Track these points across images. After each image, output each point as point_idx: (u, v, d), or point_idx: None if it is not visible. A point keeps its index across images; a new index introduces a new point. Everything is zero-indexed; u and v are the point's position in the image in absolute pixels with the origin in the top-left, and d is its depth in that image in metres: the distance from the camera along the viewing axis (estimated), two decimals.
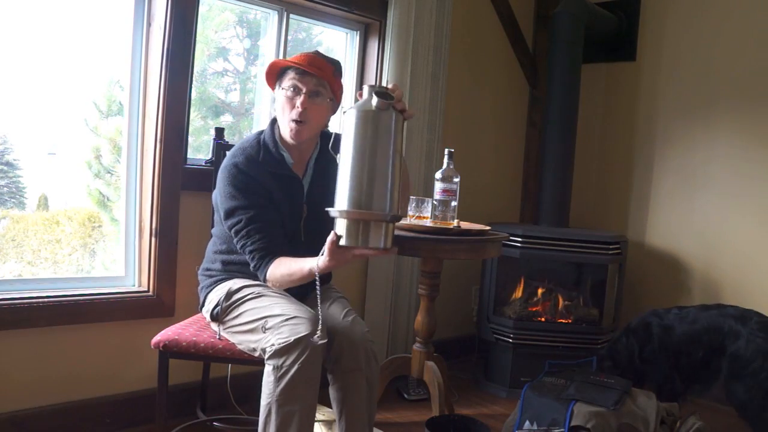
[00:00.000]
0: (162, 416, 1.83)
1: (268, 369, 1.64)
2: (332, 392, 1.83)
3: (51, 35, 2.14)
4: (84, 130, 2.28)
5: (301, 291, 1.91)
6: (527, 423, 2.13)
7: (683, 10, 3.21)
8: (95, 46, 2.25)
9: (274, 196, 1.83)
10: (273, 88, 1.90)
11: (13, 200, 2.21)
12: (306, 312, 1.69)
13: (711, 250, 3.11)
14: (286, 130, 1.84)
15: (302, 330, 1.62)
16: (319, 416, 2.38)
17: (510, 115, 3.65)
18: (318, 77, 1.82)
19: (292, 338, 1.60)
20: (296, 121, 1.81)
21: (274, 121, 1.91)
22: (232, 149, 1.90)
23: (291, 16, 2.70)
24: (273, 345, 1.62)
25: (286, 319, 1.65)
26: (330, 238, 1.55)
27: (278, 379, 1.60)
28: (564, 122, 3.20)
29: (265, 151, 1.85)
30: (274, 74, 1.88)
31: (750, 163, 2.99)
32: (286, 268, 1.72)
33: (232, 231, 1.80)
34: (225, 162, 1.85)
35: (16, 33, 2.07)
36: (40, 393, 2.07)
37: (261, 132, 1.92)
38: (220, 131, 2.34)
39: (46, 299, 2.06)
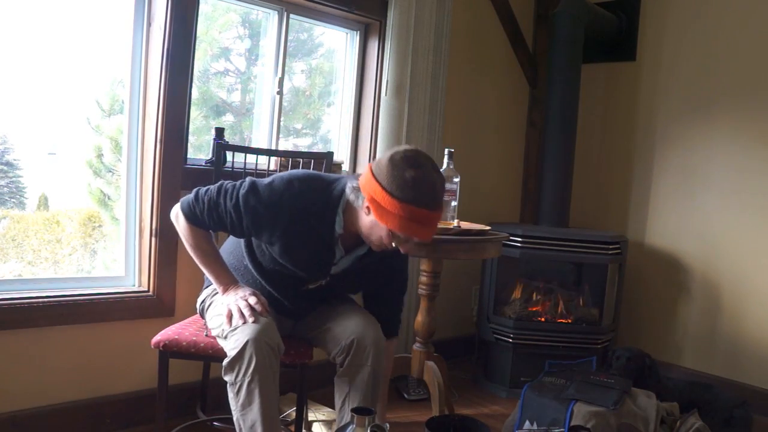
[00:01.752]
0: (162, 416, 1.83)
1: (228, 387, 1.65)
2: (339, 381, 1.84)
3: (51, 35, 2.14)
4: (85, 130, 2.28)
5: (296, 312, 1.92)
6: (527, 423, 2.13)
7: (683, 9, 3.21)
8: (96, 45, 2.25)
9: (292, 247, 1.71)
10: (376, 205, 1.60)
11: (13, 200, 2.21)
12: (254, 319, 1.66)
13: (711, 250, 3.11)
14: (369, 242, 1.71)
15: (242, 340, 1.60)
16: (319, 416, 2.39)
17: (510, 115, 3.65)
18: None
19: (236, 350, 1.60)
20: (386, 250, 1.70)
21: (342, 194, 1.70)
22: (302, 175, 1.71)
23: (291, 16, 2.70)
24: (224, 359, 1.64)
25: (233, 328, 1.66)
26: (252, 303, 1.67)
27: (236, 394, 1.63)
28: (564, 122, 3.20)
29: (322, 206, 1.69)
30: (389, 207, 1.58)
31: (750, 163, 2.99)
32: (204, 241, 1.74)
33: (205, 192, 1.70)
34: (285, 178, 1.68)
35: (16, 33, 2.07)
36: (40, 393, 2.07)
37: (333, 185, 1.72)
38: (220, 131, 2.34)
39: (46, 299, 2.06)
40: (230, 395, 1.64)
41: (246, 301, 1.68)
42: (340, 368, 1.84)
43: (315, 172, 1.92)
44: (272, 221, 1.66)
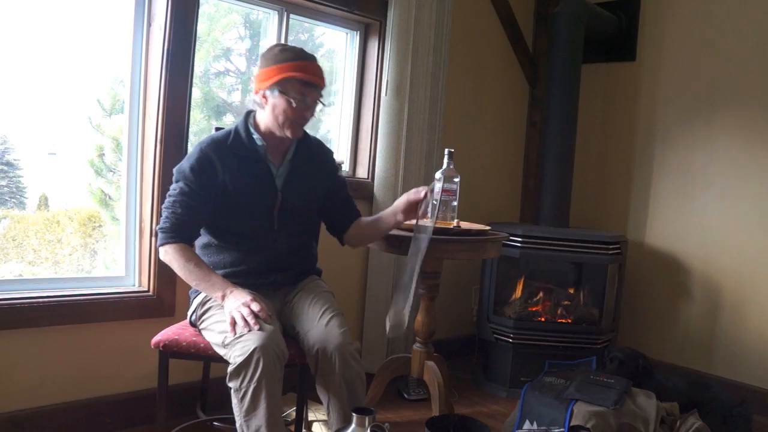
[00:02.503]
0: (162, 416, 1.83)
1: (231, 392, 1.66)
2: (318, 390, 1.86)
3: (51, 35, 2.14)
4: (85, 129, 2.28)
5: (285, 279, 1.97)
6: (527, 423, 2.13)
7: (683, 10, 3.21)
8: (96, 45, 2.25)
9: (235, 182, 1.85)
10: (263, 86, 1.84)
11: (13, 200, 2.21)
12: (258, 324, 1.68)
13: (711, 250, 3.11)
14: (287, 131, 1.86)
15: (250, 347, 1.62)
16: (319, 416, 2.39)
17: (510, 115, 3.65)
18: (319, 86, 1.87)
19: (243, 356, 1.61)
20: (300, 124, 1.87)
21: (248, 113, 1.94)
22: (207, 137, 1.94)
23: (291, 16, 2.70)
24: (229, 365, 1.65)
25: (239, 336, 1.66)
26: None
27: (240, 400, 1.63)
28: (564, 122, 3.19)
29: (234, 136, 1.89)
30: (272, 77, 1.82)
31: (750, 163, 2.99)
32: (188, 260, 1.80)
33: (169, 192, 1.85)
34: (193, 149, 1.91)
35: (16, 33, 2.07)
36: (40, 393, 2.07)
37: (236, 122, 1.97)
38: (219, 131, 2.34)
39: (46, 299, 2.06)
40: (234, 401, 1.65)
41: (248, 307, 1.69)
42: (315, 376, 1.85)
43: None
44: (209, 167, 1.83)
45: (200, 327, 1.86)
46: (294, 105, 1.82)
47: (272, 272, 1.94)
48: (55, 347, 2.10)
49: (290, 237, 1.98)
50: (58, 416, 2.10)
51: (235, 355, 1.64)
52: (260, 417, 1.62)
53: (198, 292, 1.92)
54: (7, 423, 1.99)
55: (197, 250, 1.95)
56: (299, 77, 1.80)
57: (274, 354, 1.64)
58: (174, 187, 1.84)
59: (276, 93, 1.83)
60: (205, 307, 1.85)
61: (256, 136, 1.90)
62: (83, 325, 2.14)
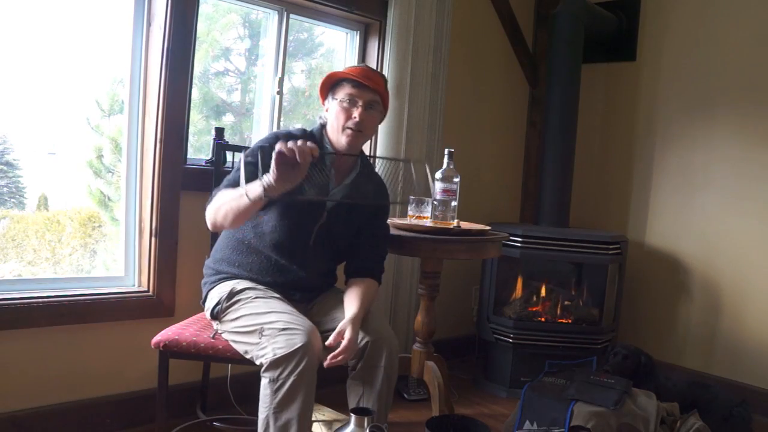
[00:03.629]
0: (162, 416, 1.83)
1: (264, 382, 1.65)
2: (351, 385, 1.86)
3: (51, 35, 2.14)
4: (85, 130, 2.28)
5: (304, 297, 1.94)
6: (527, 423, 2.13)
7: (683, 9, 3.21)
8: (96, 45, 2.24)
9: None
10: (324, 99, 1.94)
11: (13, 200, 2.21)
12: (302, 322, 1.69)
13: (711, 250, 3.11)
14: (342, 138, 1.87)
15: (298, 341, 1.62)
16: (319, 416, 2.38)
17: (510, 115, 3.65)
18: (373, 90, 1.88)
19: (288, 350, 1.61)
20: (353, 129, 1.86)
21: (322, 126, 1.96)
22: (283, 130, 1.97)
23: (291, 16, 2.70)
24: (267, 356, 1.63)
25: (282, 329, 1.66)
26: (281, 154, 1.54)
27: (275, 392, 1.62)
28: (564, 122, 3.19)
29: (310, 136, 1.89)
30: (328, 86, 1.92)
31: (750, 164, 2.99)
32: (223, 197, 1.73)
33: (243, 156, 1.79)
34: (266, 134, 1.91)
35: (16, 32, 2.07)
36: (40, 393, 2.07)
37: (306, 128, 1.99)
38: (220, 131, 2.34)
39: (46, 299, 2.06)
40: (266, 392, 1.63)
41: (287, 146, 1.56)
42: (353, 371, 1.85)
43: None
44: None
45: (224, 318, 1.81)
46: (345, 105, 1.85)
47: (297, 289, 1.93)
48: (55, 347, 2.10)
49: (322, 258, 1.97)
50: (58, 416, 2.10)
51: (276, 347, 1.63)
52: (293, 411, 1.60)
53: (212, 285, 1.90)
54: (7, 423, 1.99)
55: (229, 242, 1.93)
56: (348, 77, 1.87)
57: (316, 356, 1.65)
58: (252, 149, 1.78)
59: (330, 99, 1.91)
60: (234, 299, 1.81)
61: (328, 146, 1.92)
62: (83, 325, 2.14)
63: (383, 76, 1.98)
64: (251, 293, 1.82)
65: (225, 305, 1.82)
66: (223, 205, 1.73)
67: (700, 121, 3.15)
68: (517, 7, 3.51)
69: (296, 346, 1.61)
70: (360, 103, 1.86)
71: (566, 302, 3.09)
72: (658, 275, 3.29)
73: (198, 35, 2.36)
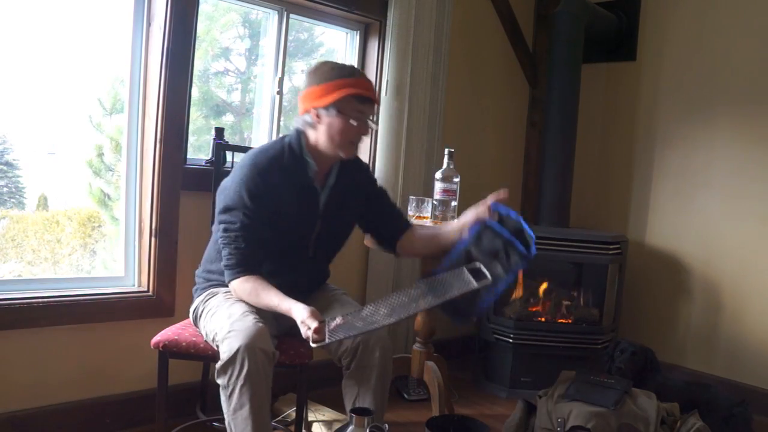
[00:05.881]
0: (162, 416, 1.83)
1: (220, 390, 1.65)
2: (347, 385, 1.85)
3: (51, 34, 2.14)
4: (85, 129, 2.28)
5: (303, 294, 1.93)
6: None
7: (683, 9, 3.21)
8: (96, 45, 2.24)
9: (284, 206, 1.79)
10: (317, 104, 1.76)
11: (13, 200, 2.21)
12: (245, 325, 1.66)
13: (711, 250, 3.11)
14: (341, 151, 1.80)
15: (235, 345, 1.60)
16: (319, 416, 2.38)
17: (510, 115, 3.64)
18: (375, 103, 1.82)
19: (229, 354, 1.61)
20: (356, 144, 1.82)
21: (300, 133, 1.84)
22: (253, 150, 1.84)
23: (291, 16, 2.69)
24: (218, 364, 1.64)
25: (227, 333, 1.66)
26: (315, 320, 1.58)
27: (228, 398, 1.63)
28: (564, 122, 3.19)
29: (289, 156, 1.81)
30: (331, 95, 1.75)
31: (750, 164, 2.98)
32: (257, 289, 1.73)
33: (222, 227, 1.77)
34: (244, 160, 1.79)
35: (17, 32, 2.07)
36: (40, 393, 2.07)
37: (284, 137, 1.87)
38: (220, 131, 2.34)
39: (46, 299, 2.06)
40: (222, 398, 1.65)
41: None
42: (347, 371, 1.85)
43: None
44: (265, 188, 1.74)
45: (200, 325, 1.86)
46: (355, 124, 1.76)
47: (293, 294, 1.92)
48: (54, 347, 2.10)
49: (322, 263, 1.98)
50: (58, 416, 2.10)
51: (222, 352, 1.64)
52: (245, 416, 1.61)
53: (200, 291, 1.91)
54: (6, 423, 1.99)
55: (219, 254, 1.90)
56: (357, 93, 1.74)
57: (262, 352, 1.62)
58: (232, 219, 1.74)
59: (333, 112, 1.75)
60: (206, 305, 1.84)
61: (309, 160, 1.82)
62: (83, 325, 2.13)
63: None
64: (218, 299, 1.81)
65: (200, 311, 1.85)
66: (260, 298, 1.73)
67: (701, 121, 3.15)
68: (517, 7, 3.51)
69: (234, 350, 1.60)
70: (367, 119, 1.80)
71: (566, 302, 3.09)
72: (658, 275, 3.29)
73: (198, 34, 2.36)
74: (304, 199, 1.84)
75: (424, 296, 1.59)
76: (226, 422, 1.65)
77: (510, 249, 1.72)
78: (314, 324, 1.57)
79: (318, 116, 1.77)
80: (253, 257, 1.76)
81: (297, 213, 1.82)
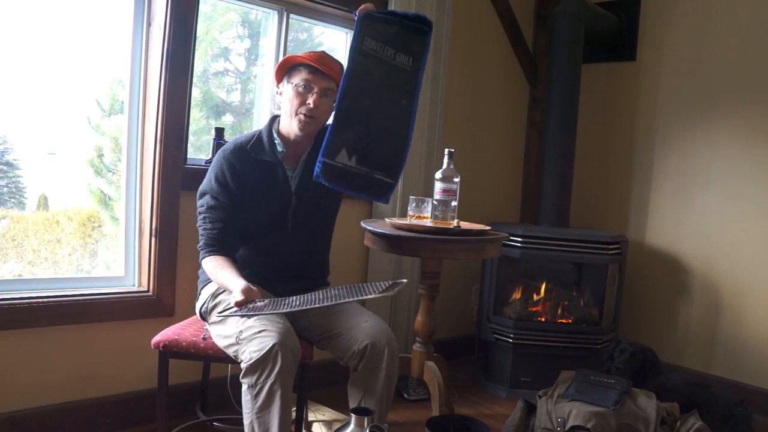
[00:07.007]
0: (162, 416, 1.83)
1: (243, 388, 1.65)
2: (354, 385, 1.85)
3: (51, 35, 2.14)
4: (85, 129, 2.28)
5: (288, 289, 1.94)
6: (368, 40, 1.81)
7: (683, 10, 3.21)
8: (96, 45, 2.25)
9: (250, 187, 1.88)
10: (278, 83, 1.95)
11: (13, 200, 2.21)
12: (276, 324, 1.69)
13: (711, 250, 3.11)
14: (294, 122, 1.88)
15: (269, 343, 1.62)
16: (319, 416, 2.39)
17: (510, 115, 3.65)
18: (329, 76, 1.88)
19: (261, 353, 1.61)
20: (306, 115, 1.87)
21: (273, 118, 1.98)
22: (230, 142, 1.97)
23: (291, 16, 2.69)
24: (244, 362, 1.64)
25: (257, 332, 1.66)
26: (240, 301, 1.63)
27: (255, 397, 1.63)
28: (564, 122, 3.19)
29: (256, 140, 1.92)
30: (284, 69, 1.93)
31: (750, 164, 2.98)
32: (217, 267, 1.79)
33: (198, 210, 1.89)
34: (219, 151, 1.95)
35: (17, 32, 2.07)
36: (40, 393, 2.07)
37: (261, 128, 1.99)
38: (220, 131, 2.34)
39: (46, 299, 2.06)
40: (247, 397, 1.64)
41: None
42: (354, 372, 1.85)
43: None
44: (233, 173, 1.86)
45: (209, 320, 1.86)
46: (300, 90, 1.86)
47: (281, 280, 1.94)
48: (55, 347, 2.10)
49: (304, 239, 1.99)
50: (58, 416, 2.10)
51: (251, 351, 1.63)
52: (274, 414, 1.61)
53: (206, 283, 1.93)
54: (6, 423, 1.99)
55: None
56: (305, 62, 1.86)
57: (291, 351, 1.64)
58: (201, 203, 1.88)
59: (285, 83, 1.91)
60: (217, 300, 1.84)
61: (277, 141, 1.93)
62: (83, 325, 2.14)
63: (341, 64, 1.94)
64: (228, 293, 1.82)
65: (210, 305, 1.85)
66: (217, 276, 1.80)
67: (700, 121, 3.15)
68: (517, 7, 3.51)
69: (268, 348, 1.61)
70: (315, 89, 1.87)
71: (566, 302, 3.09)
72: (658, 275, 3.29)
73: (197, 35, 2.36)
74: (274, 180, 1.91)
75: (341, 296, 1.67)
76: (247, 422, 1.64)
77: (406, 30, 1.84)
78: (238, 299, 1.62)
79: (280, 94, 1.93)
80: (220, 238, 1.83)
81: (267, 192, 1.91)
